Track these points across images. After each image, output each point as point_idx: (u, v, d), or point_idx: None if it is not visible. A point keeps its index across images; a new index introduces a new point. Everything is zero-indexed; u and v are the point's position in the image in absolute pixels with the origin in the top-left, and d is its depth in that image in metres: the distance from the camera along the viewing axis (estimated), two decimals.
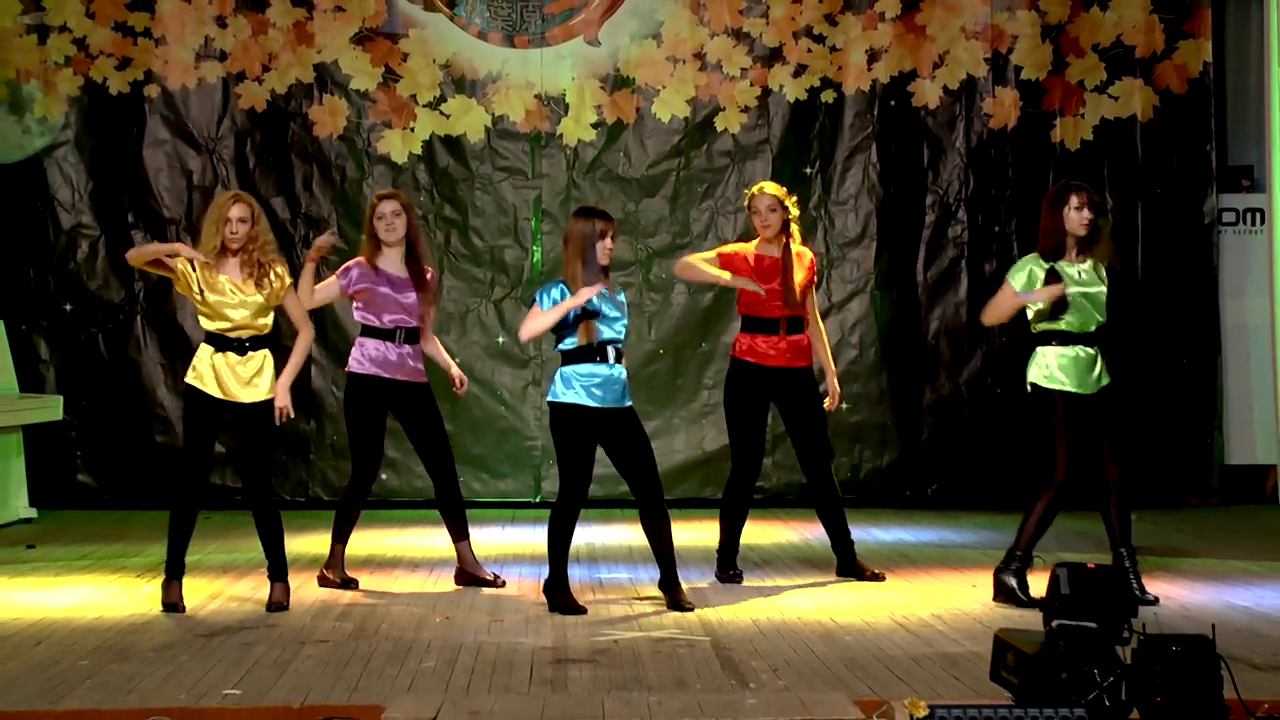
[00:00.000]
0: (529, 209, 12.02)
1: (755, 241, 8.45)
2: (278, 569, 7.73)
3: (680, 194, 12.03)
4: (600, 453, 7.66)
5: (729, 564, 8.46)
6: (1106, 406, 7.78)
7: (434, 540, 9.57)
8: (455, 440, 10.90)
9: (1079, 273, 7.73)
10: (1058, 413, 7.70)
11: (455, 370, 8.54)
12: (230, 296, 7.54)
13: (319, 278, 8.40)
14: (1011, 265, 8.07)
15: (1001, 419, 11.72)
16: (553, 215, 11.92)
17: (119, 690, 5.94)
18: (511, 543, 10.00)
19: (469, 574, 8.39)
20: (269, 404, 7.62)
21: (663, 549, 7.65)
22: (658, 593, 7.77)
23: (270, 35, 11.89)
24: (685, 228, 12.01)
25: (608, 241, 7.55)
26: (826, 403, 8.49)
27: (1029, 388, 7.81)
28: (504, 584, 8.33)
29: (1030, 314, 7.81)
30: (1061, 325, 7.72)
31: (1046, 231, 7.79)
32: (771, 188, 8.46)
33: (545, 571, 7.66)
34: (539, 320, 7.52)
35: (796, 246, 8.42)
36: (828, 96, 11.98)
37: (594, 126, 12.00)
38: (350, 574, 8.37)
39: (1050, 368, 7.73)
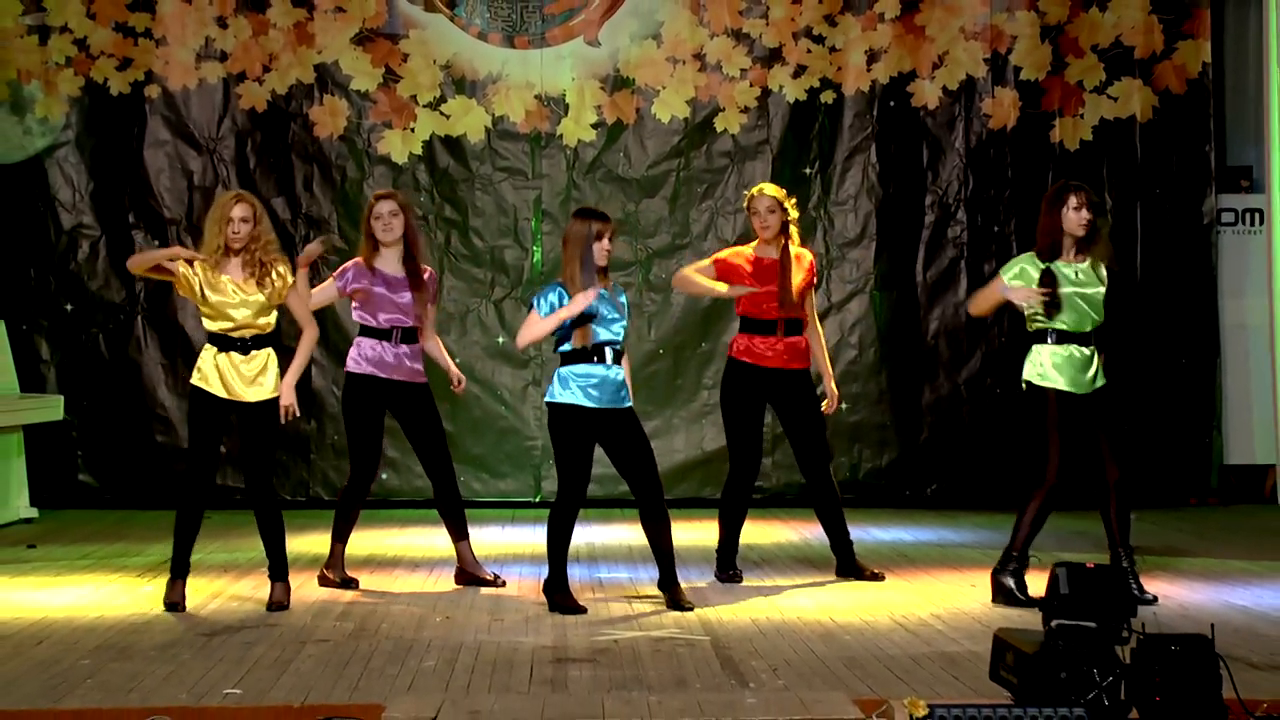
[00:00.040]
0: (529, 209, 12.03)
1: (754, 243, 8.46)
2: (278, 568, 7.74)
3: (680, 194, 12.04)
4: (600, 452, 7.68)
5: (728, 564, 8.47)
6: (1103, 407, 7.78)
7: (434, 540, 9.58)
8: (455, 440, 10.94)
9: (1076, 273, 7.74)
10: (1050, 411, 7.71)
11: (454, 371, 8.56)
12: (232, 296, 7.55)
13: (320, 278, 8.41)
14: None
15: (1001, 419, 11.73)
16: (553, 216, 11.93)
17: (120, 689, 5.95)
18: (511, 543, 10.01)
19: (469, 574, 8.40)
20: (273, 402, 7.64)
21: (662, 549, 7.66)
22: (657, 592, 7.78)
23: (271, 36, 11.90)
24: (685, 228, 12.02)
25: (605, 242, 7.55)
26: (824, 405, 8.49)
27: (1023, 385, 7.83)
28: (504, 584, 8.34)
29: (1025, 312, 7.81)
30: (1057, 324, 7.73)
31: (1044, 231, 7.80)
32: (771, 189, 8.47)
33: (545, 571, 7.67)
34: (535, 328, 7.54)
35: (795, 248, 8.42)
36: (827, 97, 11.99)
37: (594, 127, 12.01)
38: (350, 574, 8.38)
39: (1044, 366, 7.74)
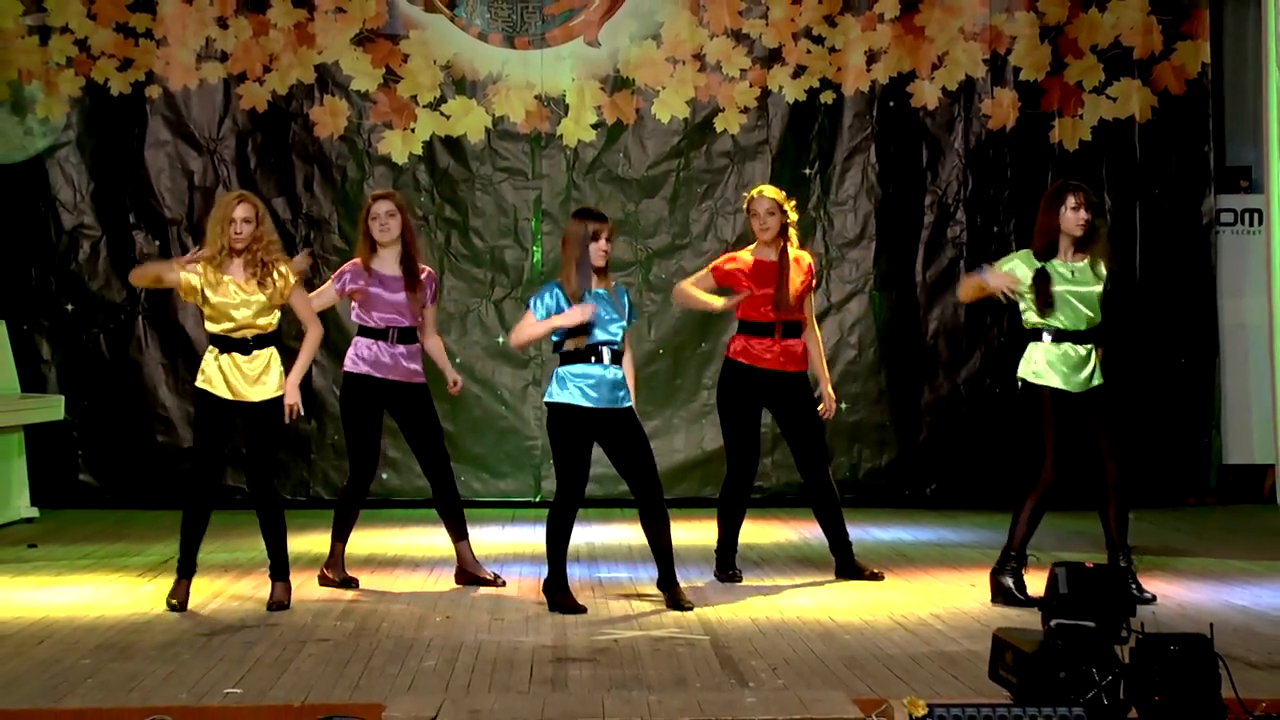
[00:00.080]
0: (529, 209, 12.04)
1: (753, 245, 8.47)
2: (279, 568, 7.75)
3: (680, 195, 12.05)
4: (599, 452, 7.69)
5: (728, 563, 8.48)
6: (1101, 406, 7.78)
7: (434, 540, 9.58)
8: (455, 440, 10.96)
9: (1072, 271, 7.74)
10: (1045, 409, 7.71)
11: (450, 373, 8.58)
12: (234, 297, 7.57)
13: (320, 279, 8.41)
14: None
15: (1000, 419, 11.73)
16: (553, 216, 11.93)
17: (120, 689, 5.96)
18: (511, 542, 10.02)
19: (469, 573, 8.41)
20: (277, 402, 7.65)
21: (662, 548, 7.67)
22: (657, 592, 7.79)
23: (271, 36, 11.91)
24: (685, 228, 12.03)
25: (602, 243, 7.56)
26: (821, 409, 8.49)
27: (1019, 383, 7.84)
28: (504, 583, 8.35)
29: (1021, 309, 7.82)
30: (1052, 322, 7.73)
31: (1041, 230, 7.80)
32: (770, 191, 8.48)
33: (545, 571, 7.68)
34: (530, 330, 7.57)
35: (794, 251, 8.43)
36: (827, 97, 11.99)
37: (594, 127, 12.02)
38: (350, 573, 8.39)
39: (1039, 364, 7.74)
